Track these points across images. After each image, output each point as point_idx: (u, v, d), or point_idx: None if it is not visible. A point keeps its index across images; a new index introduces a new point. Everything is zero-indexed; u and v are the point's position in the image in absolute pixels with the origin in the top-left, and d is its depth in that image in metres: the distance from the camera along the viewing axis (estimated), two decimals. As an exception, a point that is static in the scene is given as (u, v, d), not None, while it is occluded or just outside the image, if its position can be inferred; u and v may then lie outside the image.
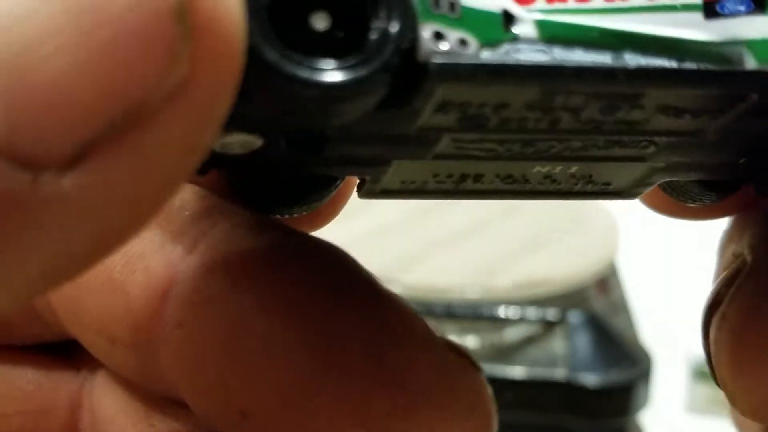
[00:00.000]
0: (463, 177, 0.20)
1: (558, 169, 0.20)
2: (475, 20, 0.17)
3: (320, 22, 0.15)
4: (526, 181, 0.20)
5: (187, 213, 0.21)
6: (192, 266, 0.20)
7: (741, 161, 0.20)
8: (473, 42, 0.16)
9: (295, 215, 0.21)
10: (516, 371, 0.61)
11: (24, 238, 0.14)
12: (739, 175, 0.21)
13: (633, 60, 0.17)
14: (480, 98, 0.16)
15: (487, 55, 0.16)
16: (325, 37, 0.15)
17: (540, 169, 0.20)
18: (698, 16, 0.18)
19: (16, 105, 0.13)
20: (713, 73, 0.17)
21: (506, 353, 0.62)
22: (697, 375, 0.65)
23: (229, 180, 0.20)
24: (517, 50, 0.17)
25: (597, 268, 0.68)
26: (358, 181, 0.20)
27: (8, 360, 0.23)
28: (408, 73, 0.15)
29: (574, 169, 0.20)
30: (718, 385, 0.21)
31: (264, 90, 0.15)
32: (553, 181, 0.20)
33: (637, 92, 0.17)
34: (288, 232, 0.21)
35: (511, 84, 0.16)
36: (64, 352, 0.23)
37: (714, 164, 0.20)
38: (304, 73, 0.15)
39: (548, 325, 0.63)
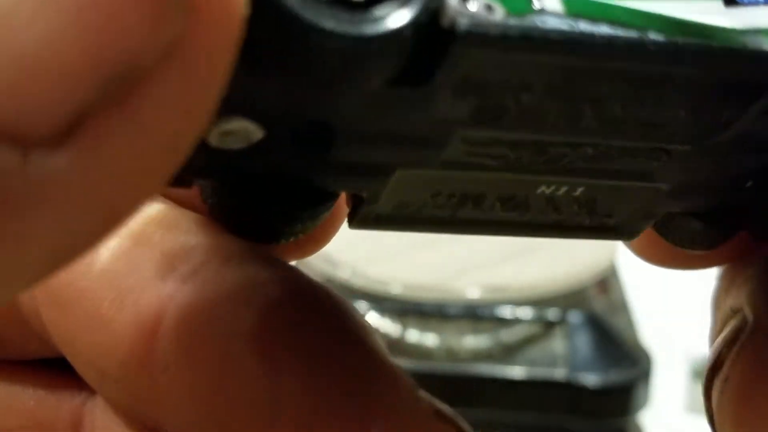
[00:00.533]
0: (464, 199, 0.19)
1: (563, 190, 0.19)
2: None
3: None
4: (527, 208, 0.20)
5: (178, 241, 0.20)
6: (183, 303, 0.19)
7: (748, 184, 0.19)
8: (500, 8, 0.15)
9: (282, 242, 0.20)
10: (516, 371, 0.61)
11: (15, 227, 0.13)
12: (739, 212, 0.20)
13: (655, 38, 0.16)
14: (503, 74, 0.15)
15: (515, 21, 0.15)
16: None
17: (545, 189, 0.19)
18: (719, 4, 0.17)
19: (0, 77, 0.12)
20: (745, 53, 0.17)
21: (506, 353, 0.62)
22: (697, 375, 0.65)
23: (212, 204, 0.19)
24: (544, 21, 0.16)
25: (597, 268, 0.68)
26: (348, 210, 0.19)
27: (9, 375, 0.23)
28: (432, 38, 0.14)
29: (579, 191, 0.19)
30: None
31: (276, 44, 0.13)
32: (555, 209, 0.20)
33: (665, 72, 0.17)
34: (285, 270, 0.20)
35: (541, 52, 0.16)
36: (66, 369, 0.23)
37: (720, 188, 0.20)
38: (326, 22, 0.13)
39: (548, 325, 0.63)
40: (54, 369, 0.23)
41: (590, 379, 0.60)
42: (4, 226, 0.12)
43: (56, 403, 0.23)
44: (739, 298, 0.21)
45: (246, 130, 0.16)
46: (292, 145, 0.17)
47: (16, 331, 0.22)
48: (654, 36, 0.17)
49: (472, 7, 0.15)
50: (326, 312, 0.19)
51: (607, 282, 0.69)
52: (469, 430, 0.19)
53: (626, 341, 0.63)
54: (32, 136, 0.12)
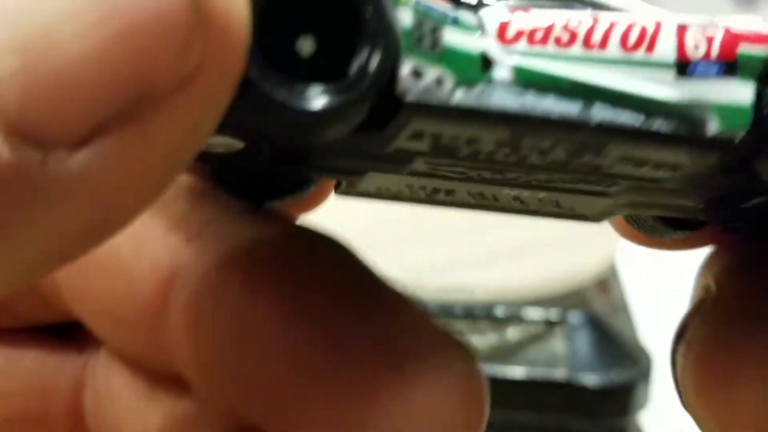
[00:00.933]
0: (436, 190, 0.21)
1: (527, 193, 0.20)
2: (454, 59, 0.17)
3: (306, 46, 0.16)
4: (497, 200, 0.21)
5: (186, 201, 0.21)
6: (196, 255, 0.20)
7: (702, 207, 0.21)
8: (449, 81, 0.17)
9: (281, 203, 0.22)
10: (516, 371, 0.61)
11: (28, 217, 0.14)
12: (702, 216, 0.22)
13: (600, 112, 0.18)
14: (452, 133, 0.17)
15: (459, 96, 0.17)
16: (310, 61, 0.16)
17: (509, 191, 0.20)
18: (670, 74, 0.18)
19: (32, 83, 0.13)
20: (675, 137, 0.18)
21: (506, 353, 0.62)
22: (698, 375, 0.64)
23: (213, 170, 0.21)
24: (491, 92, 0.17)
25: (597, 268, 0.68)
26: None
27: (10, 341, 0.24)
28: (385, 103, 0.16)
29: (542, 195, 0.20)
30: (687, 410, 0.22)
31: (245, 105, 0.15)
32: (522, 202, 0.21)
33: (600, 143, 0.18)
34: (289, 223, 0.21)
35: (481, 126, 0.17)
36: (66, 334, 0.24)
37: (676, 206, 0.21)
38: (282, 96, 0.15)
39: (548, 325, 0.63)
40: (54, 335, 0.24)
41: (590, 379, 0.60)
42: (16, 215, 0.14)
43: (57, 368, 0.24)
44: (708, 276, 0.23)
45: (228, 143, 0.17)
46: (271, 156, 0.18)
47: (25, 296, 0.23)
48: (597, 107, 0.18)
49: (422, 82, 0.17)
50: (337, 255, 0.21)
51: (607, 282, 0.68)
52: (476, 357, 0.20)
53: (626, 341, 0.63)
54: (56, 139, 0.14)
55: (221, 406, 0.21)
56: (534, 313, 0.63)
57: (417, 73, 0.17)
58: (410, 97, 0.16)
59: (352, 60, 0.16)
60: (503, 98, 0.17)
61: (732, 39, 0.19)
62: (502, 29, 0.18)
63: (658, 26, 0.18)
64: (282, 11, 0.16)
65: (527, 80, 0.18)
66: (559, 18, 0.18)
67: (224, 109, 0.15)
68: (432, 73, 0.17)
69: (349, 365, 0.19)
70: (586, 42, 0.18)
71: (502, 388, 0.61)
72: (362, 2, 0.16)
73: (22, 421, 0.24)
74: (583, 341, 0.61)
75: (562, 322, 0.63)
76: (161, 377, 0.22)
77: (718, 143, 0.18)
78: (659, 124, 0.18)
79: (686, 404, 0.23)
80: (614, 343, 0.62)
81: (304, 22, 0.16)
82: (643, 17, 0.19)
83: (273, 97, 0.15)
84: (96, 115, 0.14)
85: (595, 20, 0.18)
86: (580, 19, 0.18)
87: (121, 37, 0.14)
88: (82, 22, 0.14)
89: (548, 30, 0.18)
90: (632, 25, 0.18)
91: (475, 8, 0.18)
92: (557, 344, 0.62)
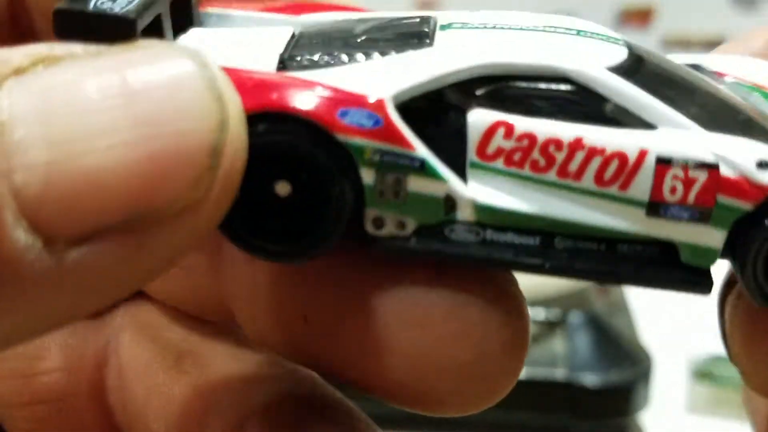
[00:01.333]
0: None
1: None
2: (417, 204, 0.20)
3: (282, 189, 0.19)
4: None
5: (182, 339, 0.25)
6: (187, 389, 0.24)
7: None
8: (411, 224, 0.20)
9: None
10: (516, 371, 0.61)
11: (10, 296, 0.15)
12: None
13: (562, 244, 0.20)
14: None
15: (418, 242, 0.20)
16: (286, 200, 0.19)
17: None
18: (641, 212, 0.19)
19: (56, 179, 0.15)
20: (634, 271, 0.20)
21: (506, 353, 0.62)
22: (697, 375, 0.64)
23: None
24: (452, 230, 0.20)
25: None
26: None
27: None
28: (357, 233, 0.19)
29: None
30: (732, 362, 0.22)
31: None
32: None
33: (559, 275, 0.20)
34: (279, 368, 0.24)
35: (440, 260, 0.20)
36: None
37: None
38: (257, 242, 0.19)
39: (548, 325, 0.63)
40: None
41: (590, 379, 0.60)
42: (13, 292, 0.15)
43: (81, 346, 0.25)
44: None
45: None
46: None
47: None
48: (558, 240, 0.20)
49: (383, 230, 0.20)
50: (326, 408, 0.23)
51: (607, 282, 0.68)
52: None
53: (626, 341, 0.63)
54: (61, 232, 0.15)
55: (276, 335, 0.22)
56: (534, 313, 0.63)
57: (378, 222, 0.20)
58: (374, 241, 0.20)
59: (326, 208, 0.19)
60: (463, 235, 0.20)
61: (712, 186, 0.19)
62: (483, 145, 0.19)
63: (638, 161, 0.19)
64: (265, 165, 0.18)
65: (488, 219, 0.19)
66: (542, 138, 0.19)
67: (211, 232, 0.17)
68: (394, 219, 0.20)
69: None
70: (562, 170, 0.19)
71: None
72: (330, 183, 0.19)
73: (50, 401, 0.25)
74: (583, 341, 0.61)
75: (562, 322, 0.63)
76: (186, 350, 0.24)
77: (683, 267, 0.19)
78: (623, 249, 0.20)
79: (733, 356, 0.22)
80: (614, 344, 0.62)
81: (282, 173, 0.19)
82: (628, 146, 0.19)
83: (248, 243, 0.19)
84: (104, 220, 0.16)
85: (577, 145, 0.19)
86: (565, 139, 0.19)
87: (146, 161, 0.16)
88: (116, 139, 0.15)
89: (527, 152, 0.19)
90: (612, 156, 0.19)
91: (462, 111, 0.19)
92: (557, 344, 0.62)
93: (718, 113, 0.20)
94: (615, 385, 0.60)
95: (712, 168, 0.19)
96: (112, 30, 0.18)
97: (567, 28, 0.21)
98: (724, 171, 0.19)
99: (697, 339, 0.63)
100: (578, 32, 0.21)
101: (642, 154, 0.19)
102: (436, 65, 0.19)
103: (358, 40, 0.20)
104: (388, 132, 0.19)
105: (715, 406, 0.63)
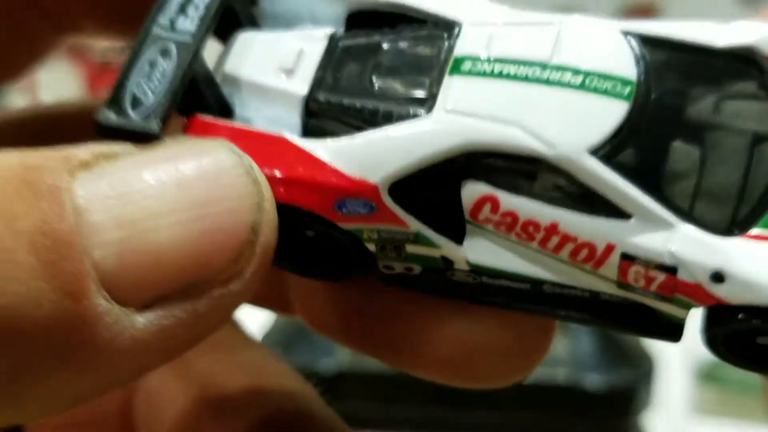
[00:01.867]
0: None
1: None
2: (418, 260, 0.23)
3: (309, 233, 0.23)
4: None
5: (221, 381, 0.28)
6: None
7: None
8: (417, 268, 0.23)
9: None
10: (518, 373, 0.60)
11: (91, 356, 0.18)
12: None
13: (549, 289, 0.22)
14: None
15: (421, 281, 0.23)
16: (310, 245, 0.23)
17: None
18: (612, 285, 0.21)
19: (128, 254, 0.18)
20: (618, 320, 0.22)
21: (508, 355, 0.62)
22: (701, 377, 0.64)
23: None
24: (453, 273, 0.22)
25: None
26: None
27: None
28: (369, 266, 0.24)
29: None
30: None
31: None
32: None
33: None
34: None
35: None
36: None
37: None
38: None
39: (550, 327, 0.63)
40: None
41: (593, 381, 0.60)
42: (94, 352, 0.18)
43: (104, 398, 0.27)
44: None
45: None
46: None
47: None
48: (548, 287, 0.22)
49: (396, 270, 0.23)
50: None
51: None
52: None
53: (629, 343, 0.63)
54: (131, 299, 0.18)
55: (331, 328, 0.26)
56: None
57: (388, 268, 0.23)
58: (388, 277, 0.23)
59: (344, 261, 0.23)
60: (463, 279, 0.23)
61: (670, 285, 0.21)
62: (474, 211, 0.21)
63: (605, 253, 0.21)
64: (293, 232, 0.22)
65: (482, 271, 0.22)
66: (522, 218, 0.21)
67: (251, 297, 0.20)
68: (400, 266, 0.23)
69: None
70: (542, 245, 0.21)
71: (504, 389, 0.61)
72: (339, 243, 0.23)
73: (81, 424, 0.28)
74: (586, 343, 0.61)
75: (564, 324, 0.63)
76: (204, 372, 0.27)
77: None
78: (605, 296, 0.22)
79: None
80: (616, 346, 0.62)
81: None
82: (598, 238, 0.21)
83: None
84: (167, 287, 0.18)
85: (553, 230, 0.21)
86: (542, 223, 0.21)
87: (199, 237, 0.18)
88: (173, 219, 0.18)
89: (511, 226, 0.21)
90: (582, 245, 0.21)
91: (457, 180, 0.21)
92: (559, 346, 0.62)
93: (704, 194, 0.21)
94: (617, 386, 0.60)
95: (670, 272, 0.21)
96: (143, 138, 0.21)
97: (574, 71, 0.22)
98: (682, 275, 0.21)
99: (700, 340, 0.63)
100: (583, 81, 0.21)
101: (609, 249, 0.21)
102: (428, 144, 0.21)
103: (375, 89, 0.23)
104: (383, 215, 0.22)
105: (719, 408, 0.63)
